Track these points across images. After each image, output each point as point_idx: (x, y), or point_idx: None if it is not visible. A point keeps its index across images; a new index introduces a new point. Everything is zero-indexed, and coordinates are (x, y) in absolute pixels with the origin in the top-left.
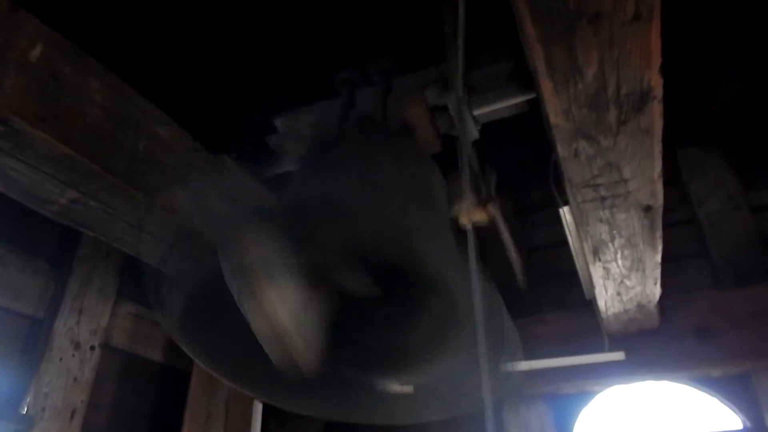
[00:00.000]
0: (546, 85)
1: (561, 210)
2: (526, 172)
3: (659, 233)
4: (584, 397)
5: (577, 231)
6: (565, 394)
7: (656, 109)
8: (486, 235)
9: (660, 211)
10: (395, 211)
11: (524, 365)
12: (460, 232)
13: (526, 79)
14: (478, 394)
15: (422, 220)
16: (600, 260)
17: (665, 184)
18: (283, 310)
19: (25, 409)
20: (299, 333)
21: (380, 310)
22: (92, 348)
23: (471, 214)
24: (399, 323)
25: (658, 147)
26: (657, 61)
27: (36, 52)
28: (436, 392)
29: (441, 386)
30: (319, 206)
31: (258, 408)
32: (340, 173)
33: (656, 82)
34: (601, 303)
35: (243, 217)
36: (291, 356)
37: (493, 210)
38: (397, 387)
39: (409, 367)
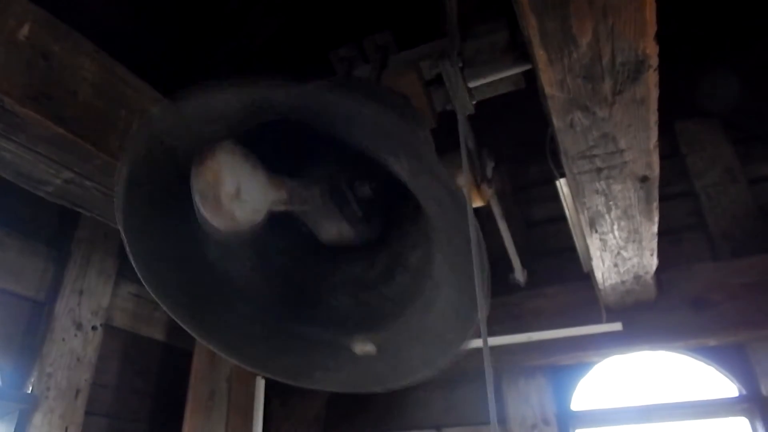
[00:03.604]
0: (540, 56)
1: (558, 182)
2: (523, 148)
3: (656, 204)
4: (582, 368)
5: (574, 203)
6: (563, 366)
7: (652, 78)
8: (482, 213)
9: (656, 182)
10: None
11: (523, 337)
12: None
13: (521, 51)
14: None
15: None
16: (597, 232)
17: (663, 157)
18: (230, 172)
19: (30, 388)
20: (239, 194)
21: (354, 270)
22: (94, 328)
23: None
24: (372, 284)
25: (653, 117)
26: (652, 29)
27: (24, 31)
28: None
29: (409, 347)
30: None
31: (261, 385)
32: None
33: (651, 51)
34: (598, 275)
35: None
36: (223, 214)
37: (488, 192)
38: (362, 347)
39: (378, 326)
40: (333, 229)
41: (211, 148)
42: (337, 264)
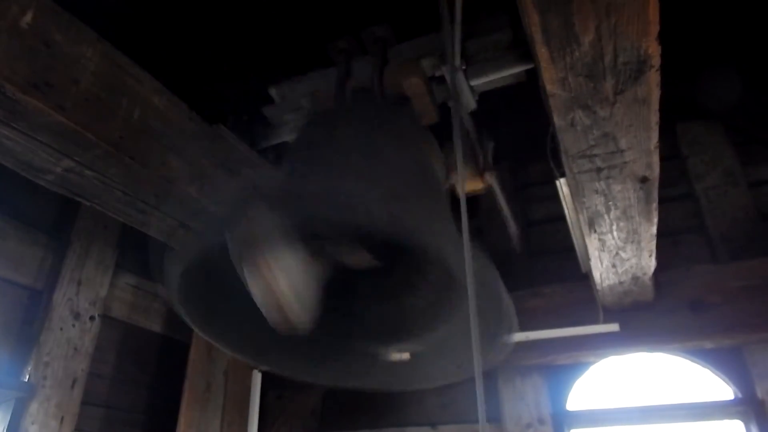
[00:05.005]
0: (542, 53)
1: (558, 182)
2: (524, 147)
3: (655, 205)
4: (579, 368)
5: (573, 203)
6: (560, 366)
7: (653, 78)
8: (484, 206)
9: (656, 183)
10: (395, 193)
11: (520, 336)
12: (456, 201)
13: (524, 50)
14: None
15: (422, 199)
16: (596, 232)
17: (664, 159)
18: (282, 280)
19: (27, 377)
20: (296, 299)
21: (380, 283)
22: (92, 318)
23: (468, 184)
24: (399, 295)
25: (654, 117)
26: (655, 29)
27: (27, 19)
28: (434, 359)
29: (439, 353)
30: (320, 188)
31: (257, 378)
32: (339, 153)
33: (654, 51)
34: (596, 275)
35: (248, 197)
36: (288, 320)
37: (490, 178)
38: (396, 355)
39: (408, 336)
40: (351, 256)
41: (264, 263)
42: (358, 277)
